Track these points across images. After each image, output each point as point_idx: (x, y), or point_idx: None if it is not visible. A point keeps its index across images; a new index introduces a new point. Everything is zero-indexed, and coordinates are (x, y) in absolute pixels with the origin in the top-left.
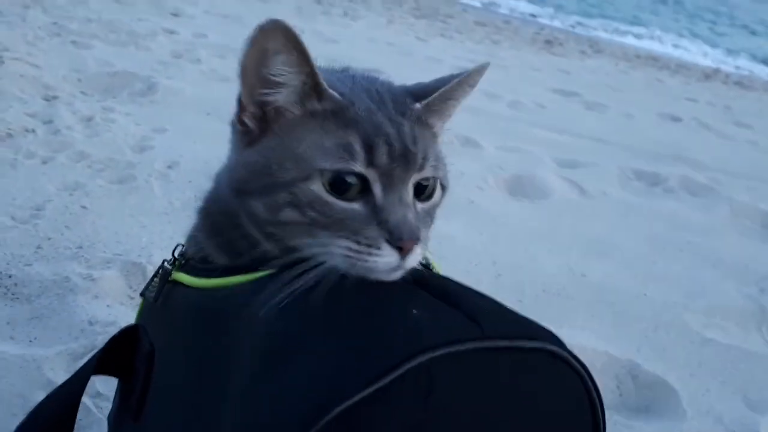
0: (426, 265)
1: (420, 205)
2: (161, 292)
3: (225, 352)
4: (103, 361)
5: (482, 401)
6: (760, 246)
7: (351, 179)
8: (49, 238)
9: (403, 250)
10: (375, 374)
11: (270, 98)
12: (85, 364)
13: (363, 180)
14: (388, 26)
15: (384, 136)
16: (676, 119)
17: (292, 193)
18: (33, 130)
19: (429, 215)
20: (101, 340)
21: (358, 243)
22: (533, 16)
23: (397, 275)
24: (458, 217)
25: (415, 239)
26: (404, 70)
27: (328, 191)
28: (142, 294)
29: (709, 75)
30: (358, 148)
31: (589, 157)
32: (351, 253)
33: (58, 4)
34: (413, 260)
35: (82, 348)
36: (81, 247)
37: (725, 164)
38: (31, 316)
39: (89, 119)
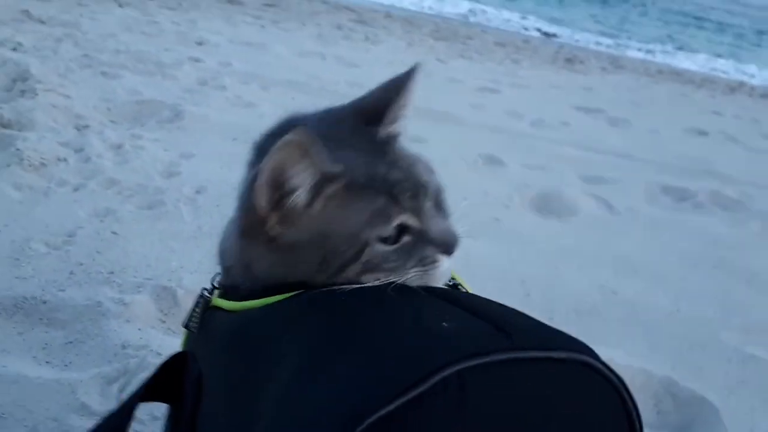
0: (455, 285)
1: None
2: (201, 320)
3: (259, 370)
4: (151, 388)
5: (515, 412)
6: None
7: (394, 231)
8: (81, 264)
9: (450, 254)
10: (409, 383)
11: (290, 201)
12: (134, 392)
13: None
14: (408, 49)
15: (396, 183)
16: (702, 133)
17: (361, 262)
18: (65, 159)
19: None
20: (134, 364)
21: (424, 265)
22: (554, 35)
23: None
24: (484, 236)
25: (459, 240)
26: (426, 92)
27: (386, 246)
28: (185, 326)
29: (735, 88)
30: (385, 207)
31: (616, 174)
32: (420, 273)
33: (88, 37)
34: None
35: (116, 372)
36: (112, 272)
37: (755, 177)
38: (65, 341)
39: (119, 147)
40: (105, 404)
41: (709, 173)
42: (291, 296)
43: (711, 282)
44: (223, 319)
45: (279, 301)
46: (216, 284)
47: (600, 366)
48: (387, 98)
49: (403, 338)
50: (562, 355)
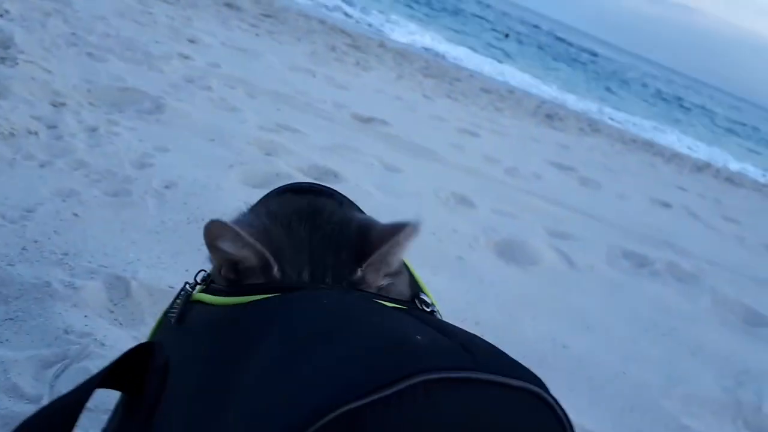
0: (432, 311)
1: None
2: (180, 313)
3: (239, 358)
4: (110, 375)
5: (468, 429)
6: (741, 339)
7: None
8: (36, 241)
9: None
10: (380, 383)
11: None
12: (93, 377)
13: None
14: (397, 81)
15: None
16: (666, 205)
17: None
18: (36, 133)
19: None
20: (74, 351)
21: None
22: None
23: None
24: (446, 272)
25: None
26: (409, 125)
27: None
28: (165, 313)
29: (701, 168)
30: None
31: (580, 231)
32: None
33: (79, 16)
34: None
35: (54, 356)
36: (66, 254)
37: (711, 255)
38: (5, 317)
39: (93, 129)
40: (38, 388)
41: (668, 244)
42: (273, 297)
43: (659, 349)
44: (202, 313)
45: (265, 299)
46: (200, 280)
47: (551, 400)
48: (378, 245)
49: (379, 342)
50: (519, 383)
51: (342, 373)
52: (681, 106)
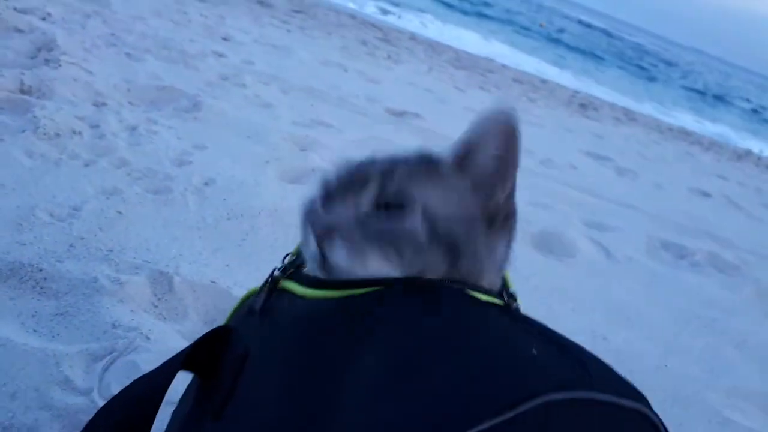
0: (511, 295)
1: (378, 221)
2: (266, 302)
3: (335, 366)
4: (190, 357)
5: None
6: None
7: (326, 189)
8: (83, 238)
9: (317, 238)
10: (503, 405)
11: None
12: (174, 357)
13: None
14: (428, 73)
15: (364, 158)
16: (706, 195)
17: None
18: (80, 133)
19: (398, 236)
20: (122, 344)
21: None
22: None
23: (326, 269)
24: None
25: (324, 230)
26: (441, 118)
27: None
28: (246, 297)
29: (741, 156)
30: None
31: (618, 222)
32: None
33: (117, 17)
34: (336, 254)
35: (102, 350)
36: (112, 251)
37: (753, 245)
38: (56, 312)
39: (134, 128)
40: (88, 381)
41: (708, 235)
42: (374, 291)
43: (701, 341)
44: (291, 304)
45: (361, 295)
46: (287, 264)
47: (658, 422)
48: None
49: (497, 359)
50: (631, 404)
51: (460, 397)
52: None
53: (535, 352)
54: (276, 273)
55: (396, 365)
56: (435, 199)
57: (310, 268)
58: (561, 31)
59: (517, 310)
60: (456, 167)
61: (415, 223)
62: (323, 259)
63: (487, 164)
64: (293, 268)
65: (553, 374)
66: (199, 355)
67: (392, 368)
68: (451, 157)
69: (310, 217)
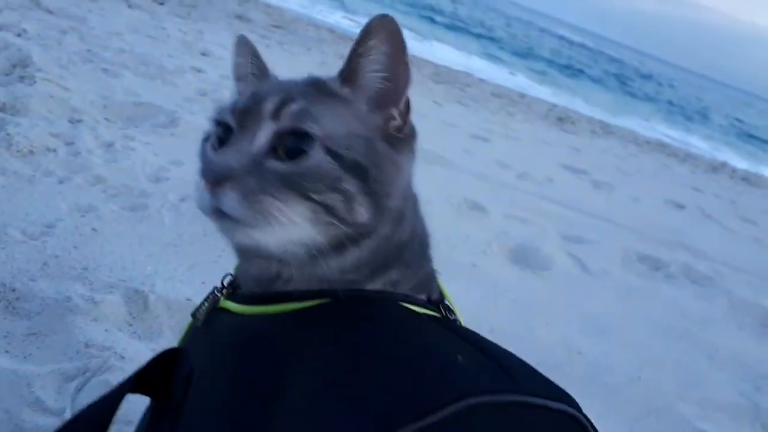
0: (448, 308)
1: (276, 164)
2: (206, 319)
3: (272, 376)
4: (140, 379)
5: None
6: (758, 343)
7: (219, 130)
8: (57, 257)
9: (204, 183)
10: (427, 409)
11: None
12: (123, 382)
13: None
14: None
15: (252, 92)
16: (681, 207)
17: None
18: (54, 150)
19: (298, 180)
20: (95, 364)
21: (196, 183)
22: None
23: (228, 228)
24: (460, 279)
25: (218, 173)
26: (420, 131)
27: (207, 142)
28: (192, 315)
29: (717, 167)
30: (232, 101)
31: (594, 235)
32: (194, 193)
33: (94, 33)
34: (225, 200)
35: (75, 370)
36: (86, 269)
37: (727, 257)
38: (28, 332)
39: (110, 145)
40: (60, 401)
41: (683, 246)
42: (306, 308)
43: (674, 353)
44: (229, 322)
45: (295, 311)
46: (227, 284)
47: (585, 422)
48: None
49: (423, 365)
50: (557, 405)
51: (388, 401)
52: (694, 109)
53: (460, 358)
54: (216, 292)
55: (329, 377)
56: (333, 125)
57: (203, 211)
58: (540, 45)
59: (453, 321)
60: (345, 84)
61: (319, 158)
62: (218, 212)
63: (378, 71)
64: (231, 288)
65: (477, 379)
66: (151, 378)
67: (325, 380)
68: (339, 76)
69: (202, 161)
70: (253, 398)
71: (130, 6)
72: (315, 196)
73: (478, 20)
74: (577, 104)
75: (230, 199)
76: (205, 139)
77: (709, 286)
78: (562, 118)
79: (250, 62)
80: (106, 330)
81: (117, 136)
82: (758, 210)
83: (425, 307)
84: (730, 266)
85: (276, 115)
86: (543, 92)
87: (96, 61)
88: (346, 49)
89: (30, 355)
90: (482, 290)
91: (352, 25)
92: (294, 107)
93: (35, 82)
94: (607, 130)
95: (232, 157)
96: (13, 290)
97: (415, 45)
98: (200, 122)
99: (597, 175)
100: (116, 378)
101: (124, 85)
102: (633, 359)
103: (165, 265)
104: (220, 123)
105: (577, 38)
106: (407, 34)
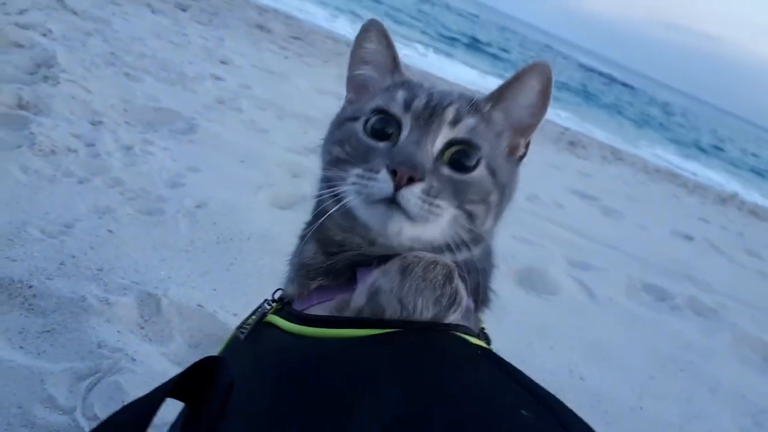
0: (486, 336)
1: (449, 172)
2: (253, 331)
3: (323, 408)
4: (178, 385)
5: None
6: (760, 378)
7: (389, 125)
8: (74, 257)
9: (397, 177)
10: None
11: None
12: (163, 385)
13: (399, 127)
14: None
15: (427, 93)
16: (688, 238)
17: (342, 131)
18: (75, 151)
19: (463, 190)
20: (107, 365)
21: (364, 169)
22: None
23: (394, 220)
24: None
25: (413, 170)
26: None
27: (359, 126)
28: (237, 328)
29: (725, 199)
30: (400, 97)
31: (601, 262)
32: (357, 179)
33: (118, 36)
34: (409, 198)
35: (87, 369)
36: (101, 270)
37: (733, 290)
38: (43, 329)
39: (129, 148)
40: (71, 400)
41: (689, 278)
42: (365, 338)
43: (676, 384)
44: (278, 339)
45: (352, 341)
46: (276, 298)
47: None
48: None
49: (491, 419)
50: None
51: None
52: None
53: (525, 413)
54: (266, 305)
55: (397, 416)
56: (489, 144)
57: (367, 198)
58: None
59: (498, 356)
60: (494, 108)
61: (483, 173)
62: (391, 203)
63: (527, 106)
64: (281, 304)
65: None
66: (188, 384)
67: (394, 418)
68: (489, 99)
69: (404, 157)
70: (309, 423)
71: (153, 11)
72: (468, 206)
73: (495, 41)
74: (589, 129)
75: (413, 196)
76: (351, 119)
77: (713, 319)
78: (574, 142)
79: (386, 51)
80: (118, 331)
81: (136, 140)
82: (764, 244)
83: (478, 338)
84: (734, 299)
85: (454, 123)
86: (555, 115)
87: (118, 65)
88: None
89: (44, 352)
90: (487, 312)
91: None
92: (470, 122)
93: (59, 82)
94: (617, 156)
95: (421, 156)
96: (30, 287)
97: (432, 60)
98: (218, 130)
99: (606, 202)
100: (126, 380)
101: (144, 89)
102: (635, 388)
103: (178, 271)
104: (381, 111)
105: (590, 63)
106: (414, 48)
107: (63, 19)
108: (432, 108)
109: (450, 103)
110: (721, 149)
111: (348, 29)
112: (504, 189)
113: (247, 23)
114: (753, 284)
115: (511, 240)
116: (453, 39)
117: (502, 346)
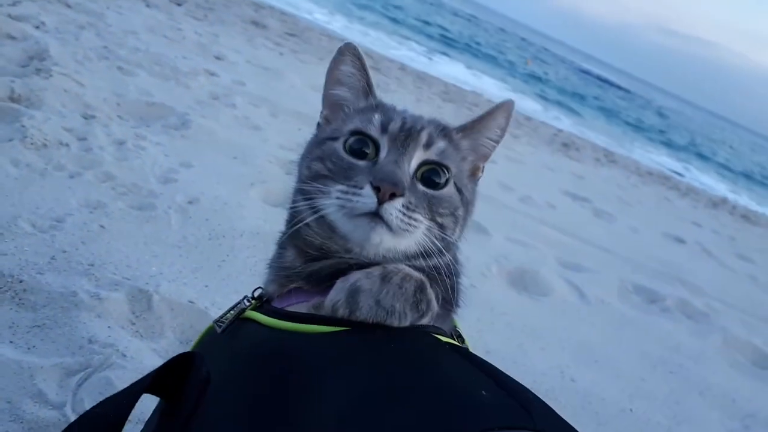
0: (459, 336)
1: (423, 188)
2: (231, 325)
3: (299, 398)
4: (155, 380)
5: None
6: (749, 382)
7: (366, 146)
8: (64, 251)
9: (381, 193)
10: None
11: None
12: (139, 381)
13: (376, 147)
14: (416, 104)
15: (401, 118)
16: (680, 241)
17: (322, 149)
18: (67, 144)
19: (435, 204)
20: (97, 360)
21: (348, 185)
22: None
23: (376, 231)
24: None
25: (394, 187)
26: None
27: (338, 145)
28: (215, 321)
29: (717, 203)
30: (377, 120)
31: (592, 264)
32: (340, 194)
33: (111, 30)
34: (391, 211)
35: (77, 365)
36: (92, 265)
37: (723, 294)
38: (33, 324)
39: (121, 143)
40: (61, 395)
41: (680, 281)
42: (339, 332)
43: (666, 387)
44: (255, 333)
45: (327, 334)
46: (256, 296)
47: None
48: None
49: (451, 398)
50: None
51: (416, 430)
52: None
53: (484, 393)
54: (245, 301)
55: (362, 398)
56: (456, 166)
57: (350, 212)
58: (549, 70)
59: (467, 349)
60: (463, 137)
61: (451, 190)
62: (374, 216)
63: (491, 139)
64: (260, 302)
65: (500, 413)
66: (165, 379)
67: (357, 404)
68: (459, 129)
69: (387, 175)
70: (278, 413)
71: (148, 5)
72: (439, 218)
73: (493, 43)
74: (583, 131)
75: (395, 210)
76: (330, 138)
77: (703, 322)
78: (567, 144)
79: (360, 74)
80: (109, 327)
81: (129, 134)
82: (756, 248)
83: (451, 337)
84: (725, 303)
85: (428, 146)
86: (549, 117)
87: (111, 59)
88: None
89: (34, 347)
90: (479, 312)
91: (366, 41)
92: (441, 145)
93: (51, 75)
94: (611, 158)
95: (401, 174)
96: (21, 282)
97: (426, 62)
98: (211, 126)
99: (598, 204)
100: (117, 375)
101: (137, 84)
102: (625, 390)
103: (169, 267)
104: (359, 133)
105: (586, 66)
106: (414, 50)
107: (56, 11)
108: (407, 131)
109: (422, 128)
110: (714, 153)
111: (345, 30)
112: (468, 205)
113: (242, 19)
114: (744, 288)
115: (505, 241)
116: (450, 39)
117: (494, 347)
